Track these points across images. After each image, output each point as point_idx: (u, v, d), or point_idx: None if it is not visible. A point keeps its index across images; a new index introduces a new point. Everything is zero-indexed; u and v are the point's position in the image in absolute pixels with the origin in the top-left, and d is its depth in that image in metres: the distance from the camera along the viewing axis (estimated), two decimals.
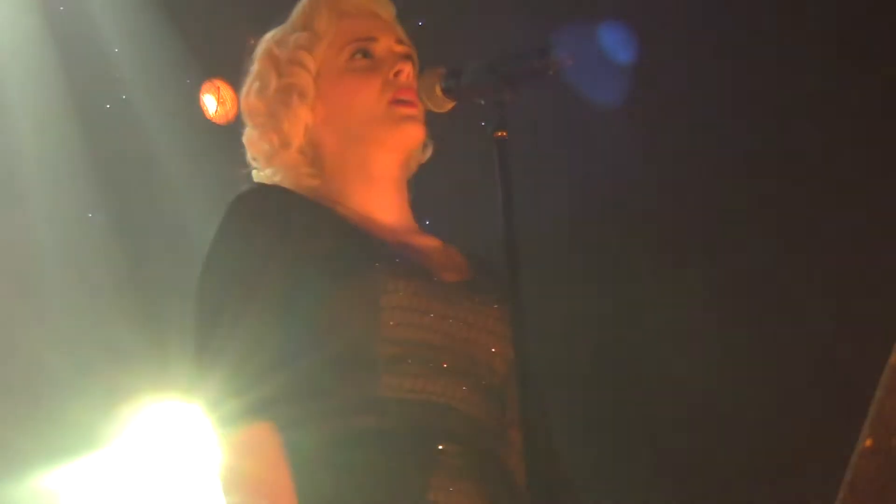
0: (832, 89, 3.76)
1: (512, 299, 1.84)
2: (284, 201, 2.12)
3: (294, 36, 2.24)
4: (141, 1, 4.29)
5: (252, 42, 2.33)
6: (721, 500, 3.95)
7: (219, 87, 4.26)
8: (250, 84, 2.26)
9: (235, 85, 2.32)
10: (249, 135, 2.25)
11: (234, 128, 2.31)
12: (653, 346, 3.99)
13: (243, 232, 2.07)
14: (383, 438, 1.95)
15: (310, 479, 1.95)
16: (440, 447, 1.97)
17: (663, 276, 3.98)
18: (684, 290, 3.94)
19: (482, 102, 1.95)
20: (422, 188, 2.31)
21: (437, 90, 2.05)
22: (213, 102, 4.27)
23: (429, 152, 2.30)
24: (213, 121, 4.26)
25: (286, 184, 2.21)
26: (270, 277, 2.02)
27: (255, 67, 2.27)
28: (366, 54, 2.22)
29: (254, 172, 2.26)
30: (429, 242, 2.22)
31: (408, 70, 2.19)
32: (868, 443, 1.47)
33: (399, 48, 2.23)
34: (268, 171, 2.24)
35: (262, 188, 2.19)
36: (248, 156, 2.27)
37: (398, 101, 2.16)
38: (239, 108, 2.33)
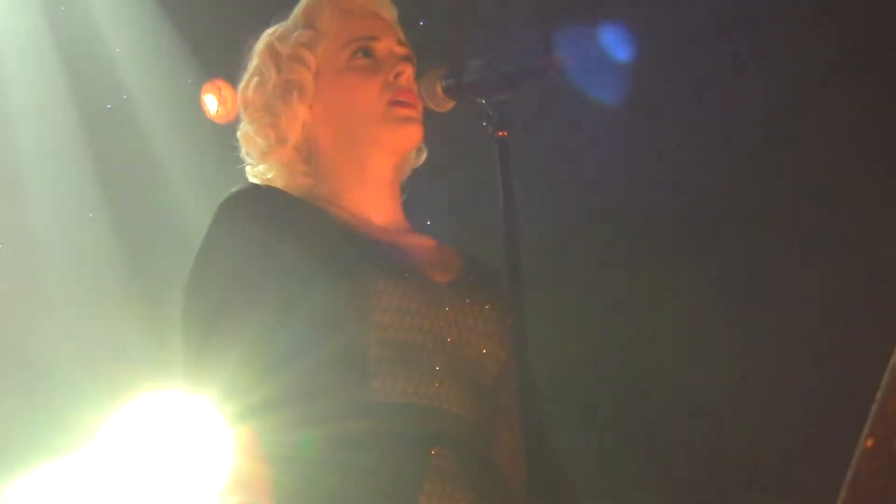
0: (834, 88, 3.75)
1: (512, 300, 1.84)
2: (275, 202, 2.12)
3: (296, 33, 2.24)
4: (141, 1, 4.29)
5: (252, 42, 2.33)
6: (721, 501, 3.95)
7: (220, 87, 4.26)
8: (249, 78, 2.26)
9: (236, 85, 2.32)
10: (245, 130, 2.25)
11: (234, 128, 2.31)
12: (653, 345, 3.99)
13: (234, 233, 2.06)
14: (376, 443, 1.95)
15: (303, 482, 1.94)
16: (433, 451, 1.96)
17: (664, 275, 3.98)
18: (685, 290, 3.94)
19: (483, 102, 1.94)
20: (422, 188, 2.31)
21: (438, 89, 2.05)
22: (214, 102, 4.27)
23: (423, 157, 2.30)
24: (215, 121, 4.26)
25: (279, 182, 2.21)
26: (261, 280, 2.01)
27: (254, 62, 2.27)
28: (367, 53, 2.22)
29: (247, 168, 2.26)
30: (421, 242, 2.21)
31: (408, 72, 2.19)
32: (869, 443, 1.46)
33: (400, 49, 2.24)
34: (261, 168, 2.24)
35: (253, 188, 2.18)
36: (242, 151, 2.26)
37: (397, 102, 2.16)
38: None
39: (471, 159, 3.10)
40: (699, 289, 3.94)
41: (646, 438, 4.02)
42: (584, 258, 4.10)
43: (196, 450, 4.26)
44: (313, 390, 1.97)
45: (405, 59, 2.22)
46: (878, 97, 3.71)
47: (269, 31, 2.28)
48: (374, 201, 2.20)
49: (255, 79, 2.24)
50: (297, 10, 2.28)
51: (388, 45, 2.23)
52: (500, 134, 1.89)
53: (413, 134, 2.18)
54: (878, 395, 1.47)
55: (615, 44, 3.63)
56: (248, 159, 2.26)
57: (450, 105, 2.08)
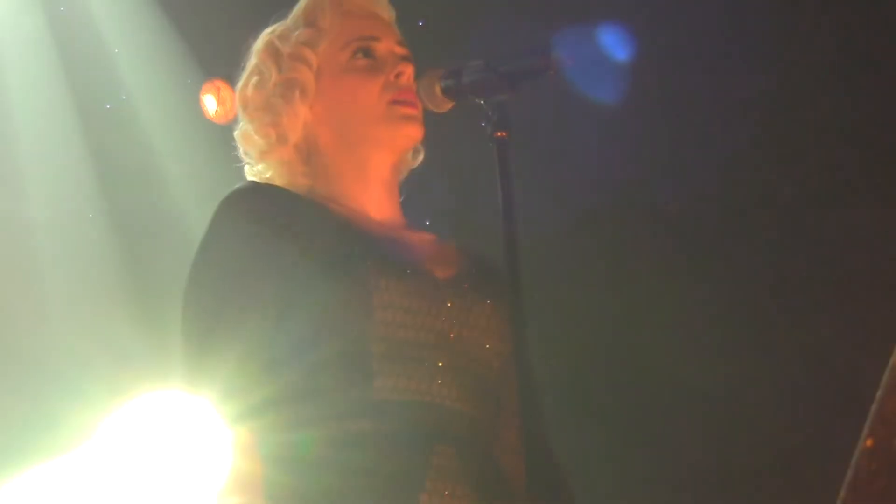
0: (834, 87, 3.75)
1: (512, 299, 1.84)
2: (275, 200, 2.11)
3: (297, 31, 2.24)
4: (141, 1, 4.29)
5: (251, 42, 2.33)
6: (721, 501, 3.95)
7: (219, 88, 4.26)
8: (248, 77, 2.26)
9: (235, 85, 2.32)
10: (244, 129, 2.24)
11: (234, 128, 2.31)
12: (652, 345, 3.99)
13: (233, 232, 2.06)
14: (378, 441, 1.95)
15: (306, 480, 1.94)
16: (435, 449, 1.96)
17: (664, 275, 3.98)
18: (685, 290, 3.94)
19: (482, 102, 1.94)
20: (422, 188, 2.31)
21: (437, 90, 2.05)
22: (213, 102, 4.27)
23: (419, 158, 2.30)
24: (214, 121, 4.26)
25: (278, 181, 2.21)
26: (261, 278, 2.01)
27: (254, 61, 2.26)
28: (367, 54, 2.22)
29: (246, 168, 2.26)
30: (422, 238, 2.21)
31: (408, 72, 2.20)
32: (868, 443, 1.46)
33: (400, 50, 2.24)
34: (260, 167, 2.23)
35: (254, 186, 2.18)
36: (241, 151, 2.26)
37: (398, 102, 2.16)
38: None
39: (470, 160, 3.09)
40: (698, 288, 3.94)
41: (645, 438, 4.02)
42: (583, 258, 4.10)
43: (195, 450, 4.26)
44: (315, 389, 1.97)
45: (405, 59, 2.23)
46: (878, 96, 3.71)
47: (269, 30, 2.28)
48: (374, 200, 2.20)
49: (255, 77, 2.24)
50: (298, 10, 2.28)
51: (389, 45, 2.23)
52: (499, 134, 1.89)
53: (414, 132, 2.18)
54: (878, 394, 1.47)
55: (614, 44, 3.63)
56: (246, 159, 2.25)
57: (449, 105, 2.08)
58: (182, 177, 4.37)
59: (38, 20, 4.30)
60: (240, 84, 2.27)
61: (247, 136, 2.23)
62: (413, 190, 2.30)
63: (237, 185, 2.14)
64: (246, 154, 2.25)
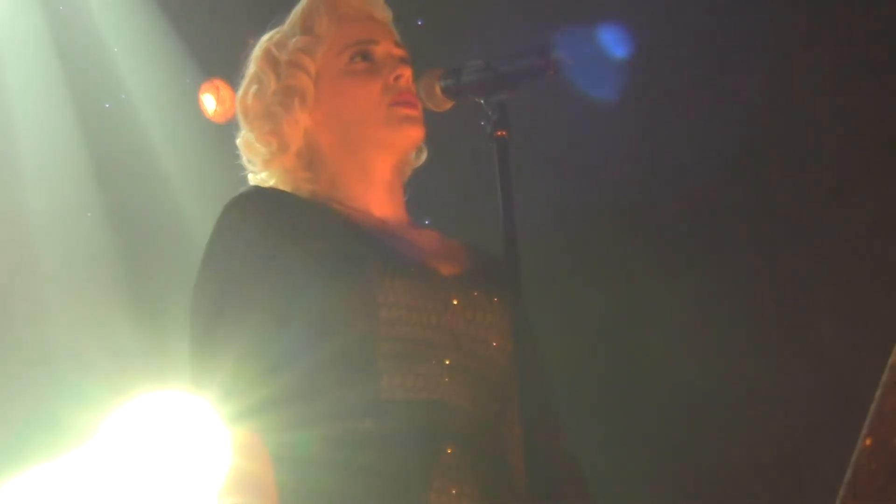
0: (834, 86, 3.75)
1: (512, 299, 1.84)
2: (280, 202, 2.12)
3: (294, 39, 2.24)
4: (140, 0, 4.29)
5: (252, 42, 2.33)
6: (721, 500, 3.94)
7: (218, 87, 4.26)
8: (248, 86, 2.26)
9: (234, 85, 2.32)
10: (246, 137, 2.25)
11: (232, 127, 2.31)
12: (652, 344, 3.99)
13: (239, 233, 2.07)
14: (384, 440, 1.95)
15: (310, 481, 1.95)
16: (441, 448, 1.96)
17: (664, 275, 3.98)
18: (685, 290, 3.94)
19: (481, 102, 1.94)
20: (422, 188, 2.32)
21: (437, 89, 2.05)
22: (212, 102, 4.27)
23: (422, 158, 2.30)
24: (212, 120, 4.26)
25: (282, 187, 2.21)
26: (268, 279, 2.02)
27: (252, 69, 2.27)
28: (365, 57, 2.22)
29: (249, 176, 2.26)
30: (427, 236, 2.22)
31: (407, 74, 2.20)
32: (868, 442, 1.46)
33: (398, 52, 2.25)
34: (263, 175, 2.24)
35: (258, 189, 2.19)
36: (244, 159, 2.26)
37: (399, 104, 2.17)
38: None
39: (470, 159, 3.09)
40: (698, 288, 3.94)
41: (645, 437, 4.02)
42: (583, 257, 4.10)
43: (195, 450, 4.26)
44: (320, 389, 1.97)
45: (403, 61, 2.23)
46: (878, 96, 3.71)
47: (266, 36, 2.28)
48: (378, 200, 2.20)
49: (254, 86, 2.24)
50: (294, 16, 2.28)
51: (387, 47, 2.23)
52: (499, 133, 1.89)
53: (415, 133, 2.19)
54: (878, 394, 1.47)
55: (614, 43, 3.63)
56: (249, 167, 2.26)
57: (448, 105, 2.08)
58: (181, 176, 4.37)
59: (37, 19, 4.30)
60: (240, 92, 2.28)
61: (249, 145, 2.24)
62: (413, 190, 2.30)
63: (241, 190, 2.15)
64: (249, 162, 2.25)
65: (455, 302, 2.06)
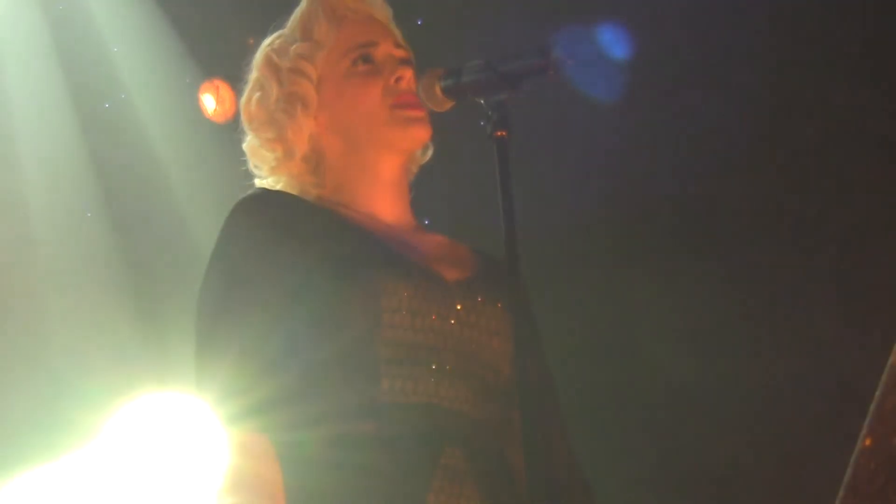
0: (834, 86, 3.75)
1: (512, 299, 1.84)
2: (286, 204, 2.13)
3: (294, 45, 2.24)
4: (140, 0, 4.29)
5: (251, 42, 2.33)
6: (721, 500, 3.95)
7: (218, 87, 4.26)
8: (251, 93, 2.26)
9: (234, 84, 2.32)
10: (252, 144, 2.25)
11: (232, 127, 2.31)
12: (652, 344, 3.99)
13: (246, 235, 2.07)
14: (384, 442, 1.95)
15: (310, 481, 1.95)
16: (441, 450, 1.96)
17: (664, 275, 3.98)
18: (685, 289, 3.94)
19: (482, 102, 1.94)
20: (422, 188, 2.32)
21: (437, 90, 2.05)
22: (211, 102, 4.27)
23: (429, 154, 2.31)
24: (212, 120, 4.27)
25: (290, 191, 2.22)
26: (272, 280, 2.02)
27: (254, 75, 2.27)
28: (366, 60, 2.22)
29: (256, 181, 2.26)
30: (433, 240, 2.22)
31: (408, 76, 2.20)
32: (867, 442, 1.46)
33: (398, 52, 2.24)
34: (270, 180, 2.24)
35: (265, 192, 2.19)
36: (251, 164, 2.27)
37: (401, 105, 2.16)
38: (238, 108, 2.33)
39: (470, 159, 3.10)
40: (698, 288, 3.94)
41: (644, 437, 4.02)
42: (583, 257, 4.10)
43: (195, 451, 4.26)
44: (321, 390, 1.98)
45: (404, 61, 2.23)
46: (878, 95, 3.71)
47: (267, 41, 2.28)
48: (384, 203, 2.20)
49: (257, 93, 2.24)
50: (293, 21, 2.28)
51: (387, 48, 2.23)
52: (499, 134, 1.89)
53: (421, 134, 2.19)
54: (877, 393, 1.47)
55: (613, 43, 3.63)
56: (256, 172, 2.26)
57: (448, 105, 2.08)
58: (181, 176, 4.37)
59: (37, 19, 4.30)
60: (243, 99, 2.28)
61: (255, 151, 2.25)
62: (413, 190, 2.30)
63: (247, 192, 2.15)
64: (256, 167, 2.26)
65: (459, 307, 2.06)
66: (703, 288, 3.94)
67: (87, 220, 4.45)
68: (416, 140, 2.20)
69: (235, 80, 2.32)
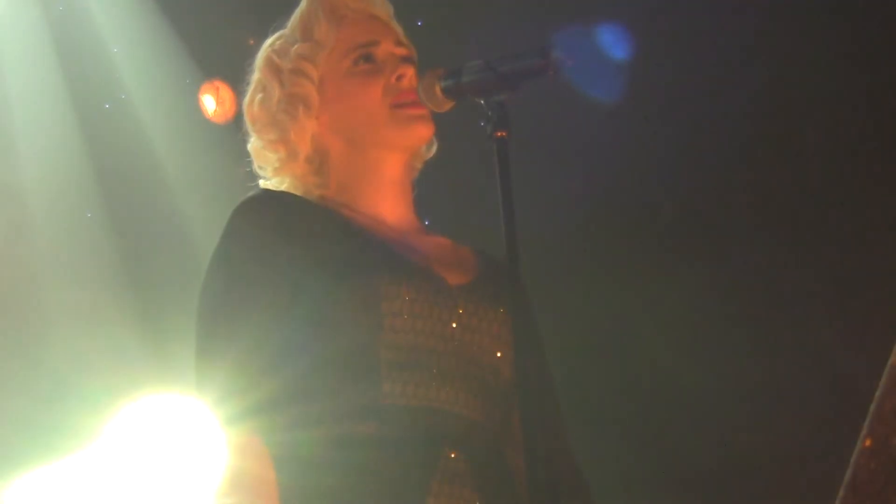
0: (834, 87, 3.75)
1: (511, 298, 1.84)
2: (289, 206, 2.12)
3: (295, 46, 2.23)
4: (140, 1, 4.29)
5: (251, 42, 2.33)
6: (721, 500, 3.95)
7: (218, 88, 4.26)
8: (253, 94, 2.26)
9: (234, 85, 2.32)
10: (255, 145, 2.25)
11: (232, 127, 2.31)
12: (652, 344, 3.99)
13: (248, 236, 2.07)
14: (384, 443, 1.95)
15: (309, 481, 1.95)
16: (441, 453, 1.96)
17: (664, 274, 3.98)
18: (685, 290, 3.94)
19: (481, 102, 1.94)
20: (422, 188, 2.32)
21: (437, 90, 2.04)
22: (211, 102, 4.27)
23: (433, 149, 2.30)
24: (212, 120, 4.26)
25: (293, 192, 2.22)
26: (274, 281, 2.02)
27: (256, 77, 2.26)
28: (367, 59, 2.21)
29: (261, 182, 2.26)
30: (437, 243, 2.21)
31: (409, 74, 2.19)
32: (867, 442, 1.46)
33: (399, 51, 2.23)
34: (275, 181, 2.24)
35: (267, 193, 2.19)
36: (255, 165, 2.27)
37: (401, 104, 2.16)
38: (238, 109, 2.33)
39: (470, 159, 3.09)
40: (698, 288, 3.94)
41: (644, 437, 4.02)
42: (583, 257, 4.10)
43: (194, 451, 4.26)
44: (321, 391, 1.97)
45: (405, 60, 2.22)
46: (878, 96, 3.71)
47: (268, 42, 2.27)
48: (389, 203, 2.20)
49: (259, 95, 2.24)
50: (294, 21, 2.27)
51: (388, 47, 2.23)
52: (499, 134, 1.88)
53: (423, 132, 2.18)
54: (877, 394, 1.47)
55: (613, 43, 3.63)
56: (261, 173, 2.26)
57: (448, 105, 2.08)
58: (181, 176, 4.37)
59: (37, 19, 4.30)
60: (245, 100, 2.28)
61: (259, 152, 2.25)
62: (413, 189, 2.30)
63: (250, 193, 2.15)
64: (260, 168, 2.26)
65: (461, 311, 2.06)
66: (702, 288, 3.94)
67: (87, 221, 4.45)
68: (417, 138, 2.19)
69: (235, 80, 2.32)
